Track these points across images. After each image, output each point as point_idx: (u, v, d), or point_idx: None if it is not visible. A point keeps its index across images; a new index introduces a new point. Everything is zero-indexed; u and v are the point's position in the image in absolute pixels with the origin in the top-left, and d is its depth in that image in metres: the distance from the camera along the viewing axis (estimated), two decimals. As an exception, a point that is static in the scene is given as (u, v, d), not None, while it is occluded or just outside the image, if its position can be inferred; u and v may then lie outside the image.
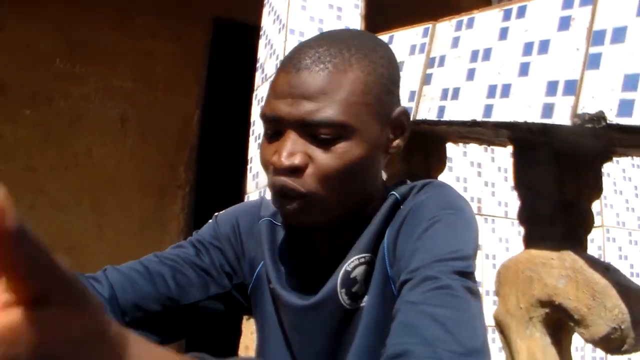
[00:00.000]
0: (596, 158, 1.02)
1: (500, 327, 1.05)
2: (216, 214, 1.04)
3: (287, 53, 0.89)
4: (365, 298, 0.84)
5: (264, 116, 0.84)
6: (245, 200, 2.10)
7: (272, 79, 0.87)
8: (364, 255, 0.85)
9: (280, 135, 0.82)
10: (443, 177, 1.66)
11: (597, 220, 2.20)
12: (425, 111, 1.14)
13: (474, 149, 2.44)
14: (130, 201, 3.99)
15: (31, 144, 3.86)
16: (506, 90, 1.03)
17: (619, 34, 0.87)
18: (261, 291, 0.95)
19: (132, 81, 4.11)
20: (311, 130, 0.79)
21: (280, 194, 0.81)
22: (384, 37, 1.32)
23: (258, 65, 2.15)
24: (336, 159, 0.80)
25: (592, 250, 2.10)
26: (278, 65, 0.93)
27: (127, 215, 3.95)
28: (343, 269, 0.85)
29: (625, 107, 0.81)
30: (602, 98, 0.85)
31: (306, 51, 0.82)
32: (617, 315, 0.82)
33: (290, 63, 0.82)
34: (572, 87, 0.89)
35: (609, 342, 0.84)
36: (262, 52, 2.13)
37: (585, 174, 1.03)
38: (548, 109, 0.94)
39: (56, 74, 3.96)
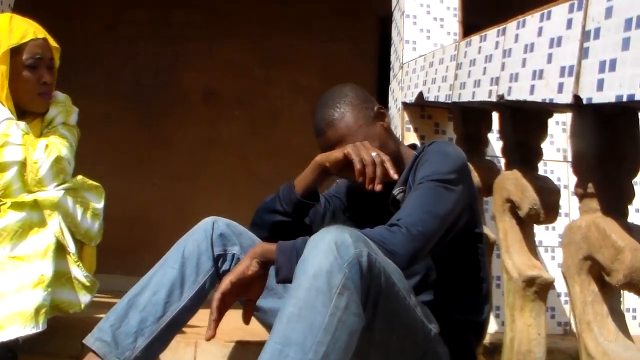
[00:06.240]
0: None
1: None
2: (337, 180, 1.78)
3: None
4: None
5: None
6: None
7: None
8: (401, 187, 1.58)
9: None
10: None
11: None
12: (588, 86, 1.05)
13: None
14: (321, 179, 4.79)
15: (242, 137, 4.78)
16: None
17: None
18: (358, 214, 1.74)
19: (318, 79, 4.82)
20: None
21: None
22: (537, 14, 1.29)
23: (391, 66, 2.80)
24: None
25: None
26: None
27: (318, 190, 4.75)
28: (391, 196, 1.59)
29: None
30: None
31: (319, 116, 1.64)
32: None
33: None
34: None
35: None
36: (392, 57, 2.77)
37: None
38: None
39: (256, 80, 4.85)
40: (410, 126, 2.47)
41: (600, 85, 0.99)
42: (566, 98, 1.09)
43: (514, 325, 1.47)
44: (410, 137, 2.46)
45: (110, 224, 4.32)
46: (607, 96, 0.97)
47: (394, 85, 2.69)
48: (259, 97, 4.86)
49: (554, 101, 1.13)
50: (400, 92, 2.49)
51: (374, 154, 1.47)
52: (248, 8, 4.84)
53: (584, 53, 1.05)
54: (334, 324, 1.18)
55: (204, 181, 4.68)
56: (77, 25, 4.56)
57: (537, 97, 1.20)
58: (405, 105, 2.45)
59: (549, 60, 1.16)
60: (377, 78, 4.98)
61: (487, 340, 2.23)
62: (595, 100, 1.01)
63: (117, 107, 4.58)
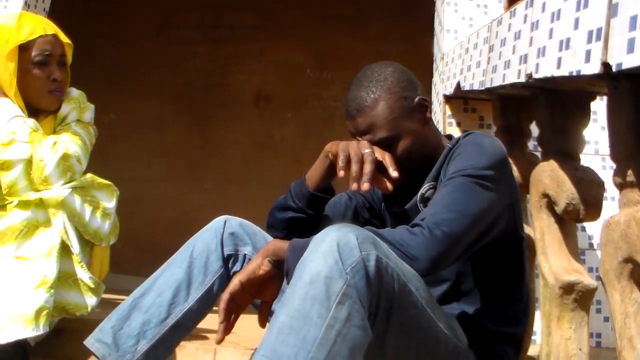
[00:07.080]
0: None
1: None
2: None
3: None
4: None
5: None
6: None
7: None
8: (431, 183, 1.41)
9: None
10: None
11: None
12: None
13: None
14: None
15: (295, 140, 4.66)
16: None
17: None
18: (383, 212, 1.59)
19: (371, 79, 4.72)
20: None
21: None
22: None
23: (433, 58, 2.62)
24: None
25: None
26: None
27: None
28: (420, 192, 1.42)
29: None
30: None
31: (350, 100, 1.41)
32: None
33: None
34: None
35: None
36: (435, 49, 2.59)
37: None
38: None
39: (308, 81, 4.72)
40: (453, 120, 2.28)
41: (631, 45, 0.80)
42: (594, 67, 0.91)
43: (549, 338, 1.27)
44: (453, 133, 2.27)
45: (162, 227, 4.37)
46: (639, 58, 0.79)
47: (435, 77, 2.51)
48: (311, 99, 4.74)
49: (581, 72, 0.95)
50: (441, 84, 2.32)
51: (367, 150, 1.31)
52: (300, 9, 4.72)
53: (613, 10, 0.86)
54: (331, 337, 1.03)
55: (256, 185, 4.59)
56: (129, 29, 4.59)
57: (564, 71, 1.02)
58: (447, 98, 2.27)
59: (576, 26, 0.98)
60: (432, 78, 4.80)
61: (535, 352, 2.02)
62: (625, 66, 0.82)
63: (168, 110, 4.56)
